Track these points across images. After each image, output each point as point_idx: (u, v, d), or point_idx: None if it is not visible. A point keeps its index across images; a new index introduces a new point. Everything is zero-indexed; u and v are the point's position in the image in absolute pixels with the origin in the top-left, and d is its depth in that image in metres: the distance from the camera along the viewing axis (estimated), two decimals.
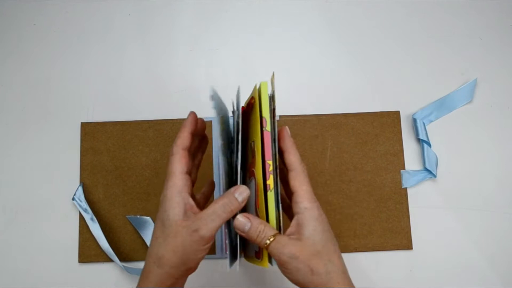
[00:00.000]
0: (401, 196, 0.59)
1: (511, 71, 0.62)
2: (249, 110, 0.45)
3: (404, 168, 0.59)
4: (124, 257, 0.57)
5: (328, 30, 0.64)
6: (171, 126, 0.60)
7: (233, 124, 0.43)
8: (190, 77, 0.63)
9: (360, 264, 0.57)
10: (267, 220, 0.39)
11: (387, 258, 0.58)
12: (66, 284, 0.57)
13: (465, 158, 0.60)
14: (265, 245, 0.38)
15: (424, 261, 0.58)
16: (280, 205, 0.40)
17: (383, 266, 0.58)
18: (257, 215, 0.41)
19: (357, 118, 0.60)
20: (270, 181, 0.38)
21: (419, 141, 0.60)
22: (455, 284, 0.57)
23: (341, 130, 0.60)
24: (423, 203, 0.59)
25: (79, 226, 0.58)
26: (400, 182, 0.59)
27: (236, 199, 0.38)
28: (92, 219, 0.57)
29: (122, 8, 0.65)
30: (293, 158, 0.40)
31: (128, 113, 0.61)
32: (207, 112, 0.63)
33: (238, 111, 0.42)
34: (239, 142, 0.41)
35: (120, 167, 0.59)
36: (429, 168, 0.58)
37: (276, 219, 0.39)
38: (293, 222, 0.39)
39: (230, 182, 0.42)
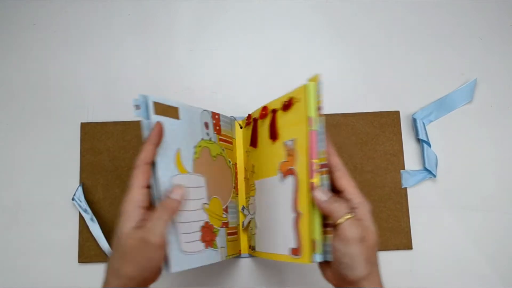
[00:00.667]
0: (401, 196, 0.59)
1: (511, 71, 0.62)
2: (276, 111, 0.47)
3: (404, 168, 0.59)
4: None
5: (328, 30, 0.64)
6: None
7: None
8: (190, 77, 0.63)
9: None
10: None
11: (387, 258, 0.58)
12: (66, 284, 0.57)
13: (465, 158, 0.60)
14: (343, 220, 0.38)
15: (424, 261, 0.58)
16: None
17: (383, 266, 0.57)
18: (295, 212, 0.43)
19: (357, 118, 0.60)
20: (316, 179, 0.41)
21: (419, 141, 0.60)
22: (455, 284, 0.57)
23: (341, 130, 0.60)
24: (423, 203, 0.59)
25: (79, 226, 0.58)
26: (400, 182, 0.59)
27: (174, 198, 0.41)
28: (92, 219, 0.57)
29: (122, 8, 0.65)
30: (337, 159, 0.42)
31: (128, 113, 0.61)
32: None
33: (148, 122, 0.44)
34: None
35: (120, 167, 0.59)
36: (429, 168, 0.58)
37: (321, 216, 0.41)
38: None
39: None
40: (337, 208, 0.39)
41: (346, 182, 0.41)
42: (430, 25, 0.64)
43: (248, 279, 0.58)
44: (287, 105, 0.45)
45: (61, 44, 0.64)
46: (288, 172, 0.44)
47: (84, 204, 0.57)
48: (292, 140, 0.44)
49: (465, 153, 0.60)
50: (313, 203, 0.41)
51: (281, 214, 0.45)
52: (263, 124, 0.50)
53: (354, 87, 0.62)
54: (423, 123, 0.59)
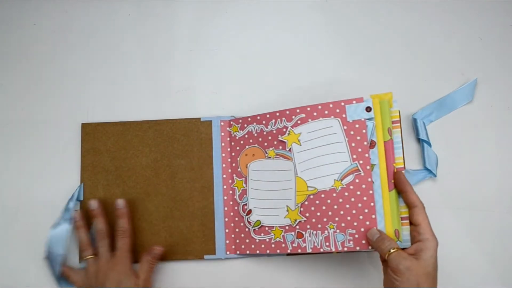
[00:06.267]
0: None
1: (511, 71, 0.62)
2: None
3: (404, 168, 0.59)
4: None
5: (327, 30, 0.64)
6: (171, 126, 0.60)
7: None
8: (190, 77, 0.63)
9: (361, 263, 0.57)
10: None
11: None
12: (66, 284, 0.57)
13: (465, 158, 0.60)
14: (388, 253, 0.46)
15: None
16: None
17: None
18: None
19: None
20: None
21: (419, 141, 0.60)
22: (455, 284, 0.57)
23: None
24: (424, 203, 0.59)
25: None
26: None
27: None
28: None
29: (122, 8, 0.65)
30: (414, 196, 0.50)
31: (128, 113, 0.61)
32: (206, 112, 0.63)
33: None
34: None
35: (120, 168, 0.59)
36: (429, 168, 0.58)
37: (397, 215, 0.50)
38: (414, 246, 0.47)
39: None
40: (382, 247, 0.47)
41: (421, 218, 0.48)
42: (430, 25, 0.64)
43: (248, 279, 0.58)
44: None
45: (61, 44, 0.64)
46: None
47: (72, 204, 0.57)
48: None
49: (465, 153, 0.60)
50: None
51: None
52: None
53: (354, 87, 0.62)
54: (423, 123, 0.59)
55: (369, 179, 0.51)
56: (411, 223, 0.50)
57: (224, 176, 0.58)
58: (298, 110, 0.55)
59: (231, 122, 0.59)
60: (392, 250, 0.46)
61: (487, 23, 0.64)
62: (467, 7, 0.64)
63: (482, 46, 0.63)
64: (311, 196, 0.53)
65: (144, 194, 0.58)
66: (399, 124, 0.53)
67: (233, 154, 0.58)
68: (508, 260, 0.57)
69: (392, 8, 0.64)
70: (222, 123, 0.59)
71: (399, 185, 0.51)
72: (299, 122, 0.54)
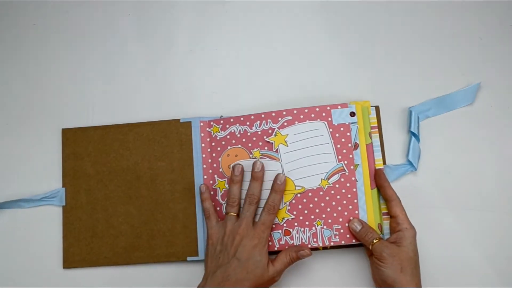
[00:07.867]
0: None
1: (511, 71, 0.62)
2: None
3: (385, 163, 0.59)
4: (107, 262, 0.57)
5: (328, 30, 0.64)
6: (150, 128, 0.59)
7: None
8: (190, 77, 0.63)
9: (361, 262, 0.57)
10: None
11: None
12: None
13: (465, 158, 0.60)
14: (372, 243, 0.51)
15: (424, 262, 0.57)
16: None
17: None
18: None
19: None
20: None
21: (409, 134, 0.59)
22: (455, 284, 0.57)
23: None
24: (422, 203, 0.58)
25: (63, 231, 0.58)
26: None
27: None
28: None
29: (122, 8, 0.65)
30: (391, 191, 0.54)
31: (128, 114, 0.61)
32: (202, 112, 0.63)
33: None
34: None
35: (102, 172, 0.59)
36: (411, 160, 0.57)
37: (379, 211, 0.55)
38: (394, 235, 0.53)
39: None
40: (366, 238, 0.52)
41: (399, 210, 0.53)
42: (430, 25, 0.64)
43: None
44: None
45: (61, 44, 0.64)
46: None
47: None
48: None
49: (465, 153, 0.60)
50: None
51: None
52: None
53: (353, 87, 0.62)
54: (418, 117, 0.59)
55: (353, 178, 0.55)
56: (390, 216, 0.55)
57: (205, 177, 0.57)
58: (284, 113, 0.56)
59: (211, 123, 0.58)
60: (375, 241, 0.51)
61: (487, 23, 0.64)
62: (467, 7, 0.64)
63: (482, 46, 0.63)
64: (299, 195, 0.55)
65: (125, 197, 0.58)
66: (377, 129, 0.58)
67: (213, 154, 0.57)
68: (508, 260, 0.57)
69: (392, 8, 0.64)
70: (201, 124, 0.58)
71: (378, 180, 0.55)
72: (285, 124, 0.56)
